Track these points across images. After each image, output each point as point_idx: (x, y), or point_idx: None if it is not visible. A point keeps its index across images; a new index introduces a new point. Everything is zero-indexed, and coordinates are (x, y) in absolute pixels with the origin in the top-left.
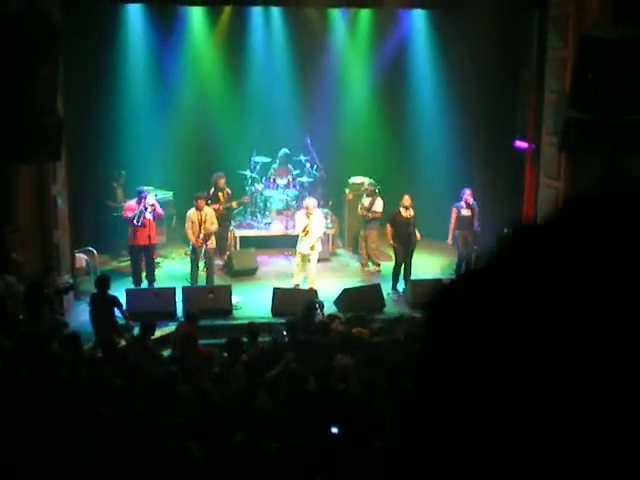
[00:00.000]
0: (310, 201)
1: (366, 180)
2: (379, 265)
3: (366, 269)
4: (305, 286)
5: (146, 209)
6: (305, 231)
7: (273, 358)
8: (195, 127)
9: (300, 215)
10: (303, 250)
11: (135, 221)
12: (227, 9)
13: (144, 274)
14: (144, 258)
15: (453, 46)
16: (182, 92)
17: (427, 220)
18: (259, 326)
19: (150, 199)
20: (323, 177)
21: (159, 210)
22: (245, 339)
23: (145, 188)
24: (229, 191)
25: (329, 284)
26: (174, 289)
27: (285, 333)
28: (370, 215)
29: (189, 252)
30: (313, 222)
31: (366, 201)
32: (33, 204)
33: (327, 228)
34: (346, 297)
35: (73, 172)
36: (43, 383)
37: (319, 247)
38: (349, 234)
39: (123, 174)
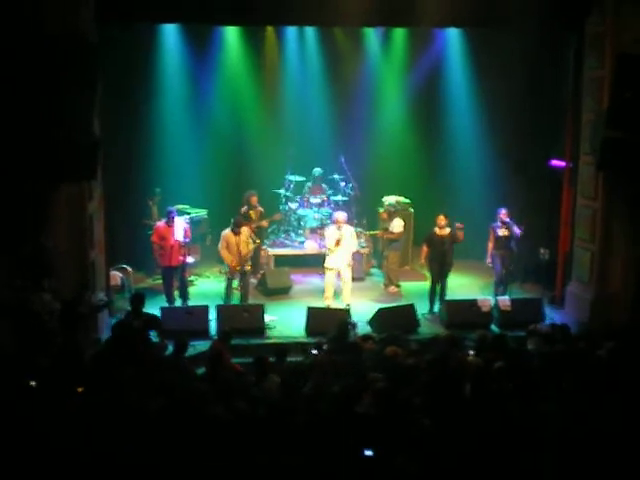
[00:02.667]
0: (340, 215)
1: (400, 199)
2: (399, 286)
3: (388, 289)
4: (339, 304)
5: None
6: (337, 243)
7: (304, 377)
8: (230, 146)
9: (331, 229)
10: (333, 265)
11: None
12: (262, 29)
13: (177, 293)
14: (176, 278)
15: (489, 65)
16: (217, 111)
17: (464, 240)
18: (287, 346)
19: (180, 221)
20: (357, 196)
21: (189, 232)
22: (272, 359)
23: (179, 207)
24: (261, 209)
25: (363, 304)
26: (207, 307)
27: (315, 352)
28: (386, 236)
29: (224, 270)
30: (344, 236)
31: (386, 221)
32: (69, 223)
33: (361, 247)
34: (380, 317)
35: (109, 191)
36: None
37: (351, 263)
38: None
39: (158, 192)
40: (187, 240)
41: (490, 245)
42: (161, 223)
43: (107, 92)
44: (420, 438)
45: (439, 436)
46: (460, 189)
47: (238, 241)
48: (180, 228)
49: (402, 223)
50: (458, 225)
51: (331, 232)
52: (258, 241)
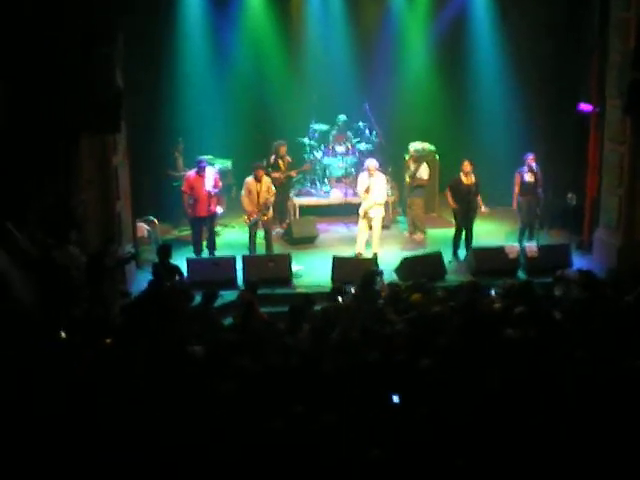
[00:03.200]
0: (372, 162)
1: (426, 145)
2: (424, 232)
3: (413, 236)
4: (369, 253)
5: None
6: (367, 190)
7: (333, 322)
8: (253, 95)
9: (363, 176)
10: (363, 209)
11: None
12: None
13: (204, 243)
14: (205, 228)
15: (513, 10)
16: (239, 60)
17: (489, 186)
18: (314, 296)
19: (210, 171)
20: (382, 143)
21: (219, 183)
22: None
23: (205, 157)
24: (289, 159)
25: (389, 252)
26: (234, 258)
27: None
28: (415, 182)
29: (244, 218)
30: (375, 183)
31: (412, 167)
32: (95, 175)
33: (388, 195)
34: (406, 265)
35: (134, 142)
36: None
37: (382, 212)
38: None
39: (181, 141)
40: (217, 190)
41: (516, 190)
42: (192, 173)
43: (129, 43)
44: (445, 381)
45: (462, 382)
46: (486, 135)
47: (259, 189)
48: (210, 178)
49: (428, 169)
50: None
51: (362, 179)
52: (275, 192)
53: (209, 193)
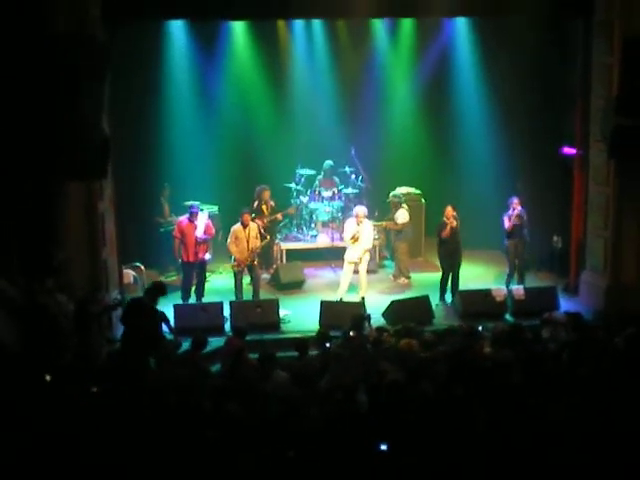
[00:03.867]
0: (361, 209)
1: (412, 190)
2: (409, 277)
3: (397, 281)
4: (355, 297)
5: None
6: (354, 239)
7: (321, 370)
8: (239, 141)
9: (350, 223)
10: (351, 258)
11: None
12: (270, 23)
13: (193, 289)
14: (196, 274)
15: (497, 53)
16: (226, 106)
17: (474, 229)
18: (308, 340)
19: (202, 217)
20: (368, 188)
21: (212, 230)
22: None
23: (189, 203)
24: (273, 204)
25: (374, 296)
26: (222, 304)
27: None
28: (388, 227)
29: (232, 264)
30: (363, 230)
31: (392, 213)
32: (81, 221)
33: (374, 239)
34: (394, 309)
35: (119, 188)
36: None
37: (367, 257)
38: None
39: (167, 186)
40: (207, 237)
41: (508, 228)
42: (183, 219)
43: (115, 89)
44: (434, 431)
45: (454, 429)
46: (471, 179)
47: (247, 235)
48: (202, 225)
49: (407, 214)
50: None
51: (350, 226)
52: (268, 237)
53: (197, 239)
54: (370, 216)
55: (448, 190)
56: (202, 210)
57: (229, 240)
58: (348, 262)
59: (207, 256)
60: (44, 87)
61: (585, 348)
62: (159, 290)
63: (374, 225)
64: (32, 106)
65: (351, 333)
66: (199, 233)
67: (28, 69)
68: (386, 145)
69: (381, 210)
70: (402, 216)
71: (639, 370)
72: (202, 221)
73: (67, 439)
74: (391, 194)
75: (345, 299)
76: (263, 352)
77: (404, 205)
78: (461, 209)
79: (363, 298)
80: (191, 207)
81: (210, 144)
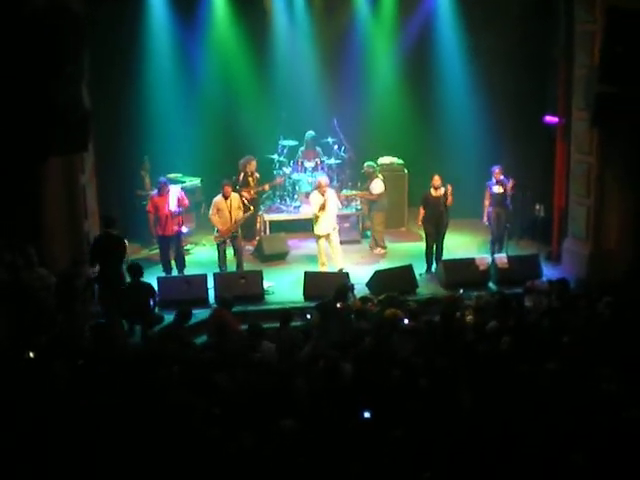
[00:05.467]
0: (323, 179)
1: (395, 160)
2: (385, 248)
3: (374, 251)
4: (333, 269)
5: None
6: (322, 208)
7: (304, 341)
8: (221, 113)
9: (315, 195)
10: (323, 231)
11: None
12: None
13: (173, 262)
14: (173, 247)
15: (479, 23)
16: (207, 78)
17: (458, 198)
18: (291, 311)
19: (174, 190)
20: (351, 158)
21: (185, 202)
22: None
23: (172, 176)
24: (257, 175)
25: (354, 267)
26: (205, 276)
27: (310, 316)
28: (364, 197)
29: (214, 236)
30: (328, 200)
31: (367, 183)
32: (62, 195)
33: (357, 210)
34: (378, 279)
35: (101, 162)
36: (76, 376)
37: (336, 226)
38: None
39: (146, 159)
40: (180, 210)
41: (486, 203)
42: (155, 192)
43: (95, 62)
44: (418, 401)
45: (438, 398)
46: (454, 148)
47: (229, 206)
48: (174, 197)
49: (382, 184)
50: (448, 188)
51: (315, 198)
52: (252, 208)
53: (171, 213)
54: (353, 186)
55: (431, 160)
56: (181, 182)
57: (211, 212)
58: (320, 235)
59: (184, 229)
60: (23, 61)
61: (568, 315)
62: (136, 271)
63: (346, 195)
64: (11, 81)
65: (338, 305)
66: (172, 206)
67: (6, 44)
68: (368, 115)
69: (363, 181)
70: (378, 186)
71: (619, 337)
72: (174, 194)
73: (54, 415)
74: (365, 164)
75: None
76: (251, 324)
77: (379, 175)
78: (445, 178)
79: (342, 269)
80: (159, 181)
81: (192, 116)
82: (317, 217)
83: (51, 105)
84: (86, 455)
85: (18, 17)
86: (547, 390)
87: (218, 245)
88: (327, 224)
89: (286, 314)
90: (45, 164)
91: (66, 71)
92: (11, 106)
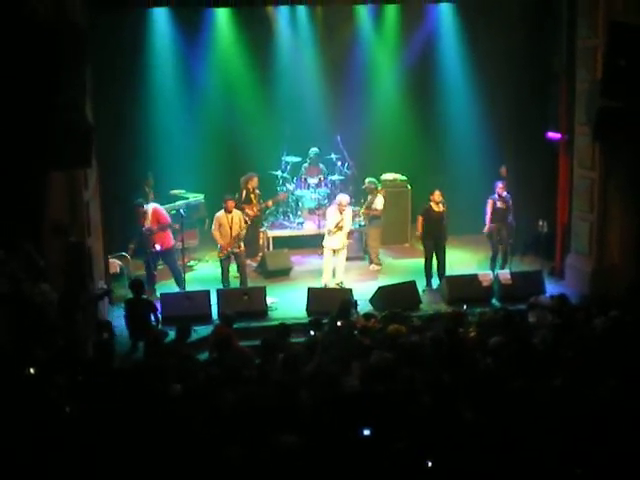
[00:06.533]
0: (344, 197)
1: (398, 176)
2: (380, 264)
3: (370, 267)
4: (334, 283)
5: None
6: (338, 227)
7: (309, 356)
8: (225, 128)
9: (332, 211)
10: (333, 246)
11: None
12: (254, 10)
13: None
14: (169, 265)
15: (482, 39)
16: (211, 93)
17: (460, 214)
18: (290, 326)
19: (150, 209)
20: (354, 175)
21: (162, 219)
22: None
23: (176, 192)
24: (259, 192)
25: (363, 282)
26: (208, 292)
27: (312, 332)
28: (370, 213)
29: (217, 252)
30: (345, 219)
31: (368, 199)
32: (65, 211)
33: (360, 226)
34: (381, 295)
35: (104, 177)
36: (78, 391)
37: (346, 243)
38: None
39: (150, 175)
40: (155, 227)
41: (489, 216)
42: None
43: (99, 77)
44: (420, 416)
45: (441, 415)
46: (458, 164)
47: (230, 222)
48: (150, 215)
49: (382, 200)
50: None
51: (332, 214)
52: (248, 222)
53: (149, 230)
54: (356, 203)
55: (434, 176)
56: (186, 198)
57: (213, 227)
58: (329, 249)
59: (157, 247)
60: (25, 75)
61: (567, 331)
62: (138, 287)
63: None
64: (13, 95)
65: (339, 323)
66: (147, 223)
67: (8, 57)
68: (372, 132)
69: (367, 197)
70: (381, 202)
71: (616, 352)
72: (149, 213)
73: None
74: (367, 180)
75: (330, 286)
76: (264, 338)
77: (380, 191)
78: (447, 194)
79: (341, 283)
80: (135, 205)
81: (195, 132)
82: (330, 231)
83: (53, 119)
84: (85, 466)
85: (19, 29)
86: (548, 405)
87: (222, 261)
88: (339, 241)
89: (284, 328)
90: (48, 179)
91: (68, 84)
92: (12, 120)
